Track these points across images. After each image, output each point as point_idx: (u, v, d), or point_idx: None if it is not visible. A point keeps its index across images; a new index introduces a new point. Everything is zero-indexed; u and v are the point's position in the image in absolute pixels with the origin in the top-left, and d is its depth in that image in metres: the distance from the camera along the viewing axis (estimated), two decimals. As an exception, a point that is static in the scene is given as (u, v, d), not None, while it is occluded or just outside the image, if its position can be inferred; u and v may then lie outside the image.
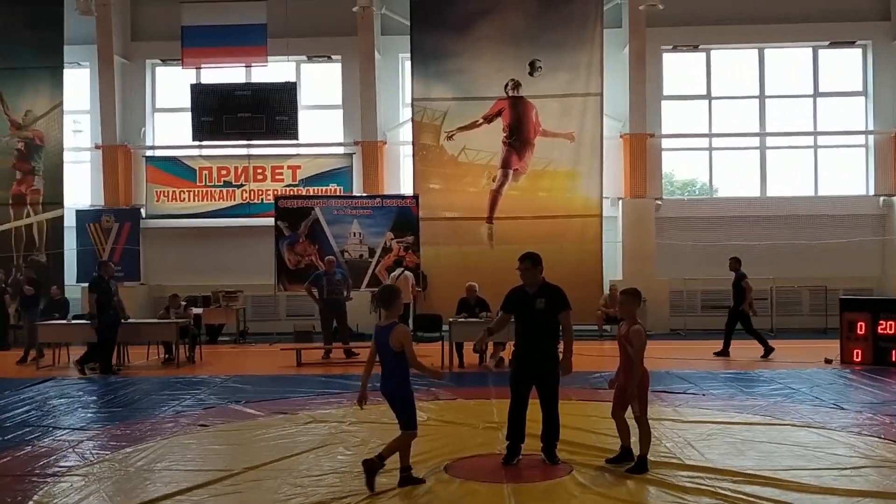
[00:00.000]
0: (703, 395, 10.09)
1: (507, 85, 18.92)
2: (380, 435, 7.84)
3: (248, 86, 19.98)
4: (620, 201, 19.68)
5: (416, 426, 6.20)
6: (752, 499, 5.63)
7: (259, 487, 6.10)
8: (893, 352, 12.29)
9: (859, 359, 12.60)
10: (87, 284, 14.94)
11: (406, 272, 15.97)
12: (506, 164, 18.87)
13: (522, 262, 6.89)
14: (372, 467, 6.01)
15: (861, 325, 12.70)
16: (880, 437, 7.53)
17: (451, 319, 13.35)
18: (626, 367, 6.45)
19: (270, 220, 17.98)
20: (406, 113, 20.06)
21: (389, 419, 8.55)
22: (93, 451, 7.38)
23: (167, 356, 14.53)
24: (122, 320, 13.46)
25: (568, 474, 6.35)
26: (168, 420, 8.86)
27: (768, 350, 14.03)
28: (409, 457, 6.23)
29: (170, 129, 21.18)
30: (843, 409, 9.02)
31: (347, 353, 14.59)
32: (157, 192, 20.33)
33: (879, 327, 12.50)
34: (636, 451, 6.50)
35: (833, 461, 6.67)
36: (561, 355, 6.80)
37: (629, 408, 6.49)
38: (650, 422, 6.56)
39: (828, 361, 12.87)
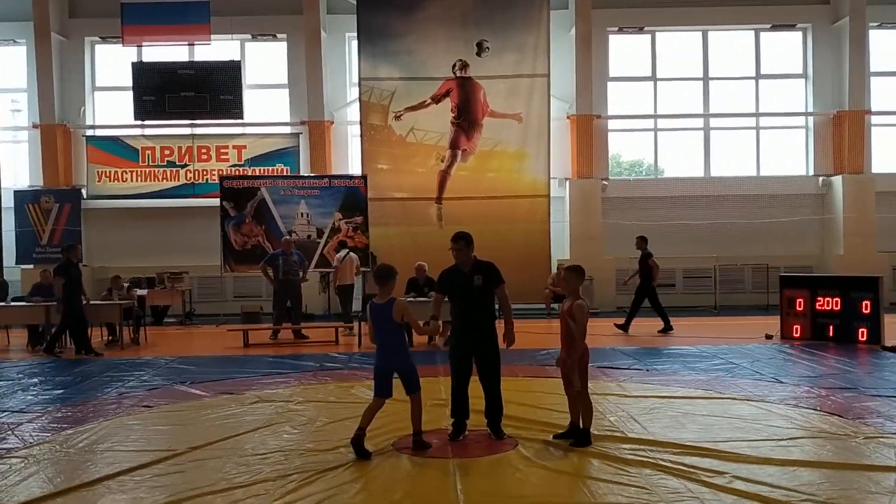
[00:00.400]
0: (647, 370, 10.25)
1: (454, 65, 18.88)
2: (327, 413, 7.84)
3: (191, 64, 19.63)
4: (567, 182, 19.84)
5: (420, 387, 6.45)
6: (691, 469, 5.74)
7: (203, 467, 6.04)
8: (831, 327, 12.64)
9: (798, 334, 12.93)
10: (31, 267, 14.51)
11: (351, 254, 15.89)
12: (454, 145, 18.88)
13: (457, 242, 6.91)
14: (419, 445, 6.35)
15: (800, 302, 13.01)
16: (816, 410, 7.74)
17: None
18: (568, 342, 6.52)
19: (216, 201, 17.73)
20: (353, 92, 19.91)
21: (336, 398, 8.63)
22: (33, 434, 7.21)
23: (111, 338, 14.29)
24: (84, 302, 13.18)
25: (513, 448, 6.41)
26: (111, 402, 8.70)
27: (668, 327, 14.47)
28: (422, 421, 6.45)
29: (111, 108, 20.75)
30: (781, 382, 9.25)
31: (297, 334, 14.50)
32: (98, 172, 19.91)
33: (818, 303, 12.82)
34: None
35: (770, 433, 6.84)
36: (502, 329, 6.86)
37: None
38: (594, 397, 6.66)
39: (768, 337, 13.18)
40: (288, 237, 15.98)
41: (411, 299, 13.17)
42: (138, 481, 5.71)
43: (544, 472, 5.81)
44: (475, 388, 6.89)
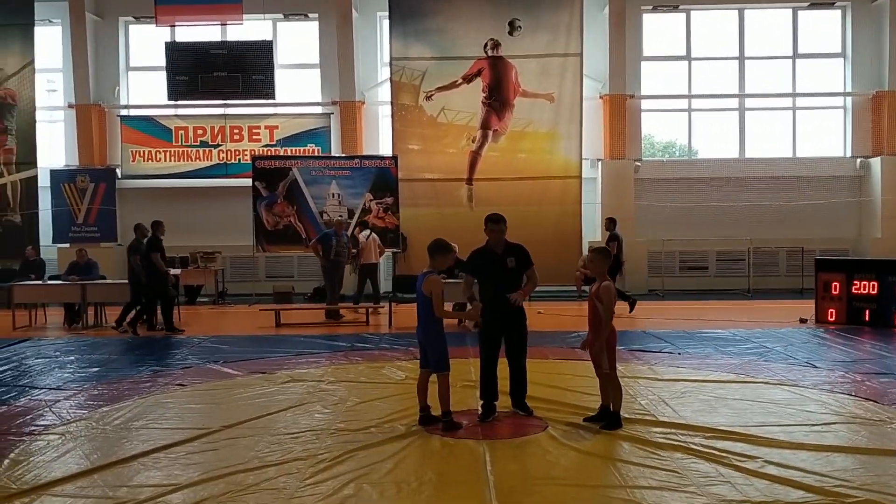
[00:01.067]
0: (679, 353, 10.18)
1: (486, 45, 18.77)
2: (357, 393, 7.89)
3: (223, 44, 19.70)
4: (600, 163, 19.69)
5: (449, 367, 6.50)
6: (723, 453, 5.69)
7: (236, 445, 6.11)
8: (867, 311, 12.45)
9: (833, 318, 12.76)
10: (67, 246, 14.60)
11: (373, 234, 15.89)
12: (485, 125, 18.79)
13: (497, 224, 6.89)
14: (449, 426, 6.38)
15: (836, 286, 12.83)
16: (851, 395, 7.64)
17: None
18: (595, 324, 6.49)
19: (248, 181, 17.86)
20: (384, 72, 19.87)
21: (367, 378, 8.67)
22: (70, 411, 7.35)
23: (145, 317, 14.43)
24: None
25: (543, 430, 6.40)
26: (146, 380, 8.82)
27: (632, 305, 14.48)
28: (450, 401, 6.49)
29: (145, 88, 20.92)
30: (815, 367, 9.14)
31: (334, 314, 14.52)
32: (132, 151, 20.11)
33: (853, 287, 12.64)
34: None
35: (804, 418, 6.76)
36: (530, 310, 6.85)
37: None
38: (625, 380, 6.63)
39: (802, 321, 13.03)
40: (340, 218, 16.06)
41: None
42: (173, 458, 5.79)
43: (574, 454, 5.80)
44: (502, 369, 6.89)
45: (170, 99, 19.59)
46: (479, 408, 6.88)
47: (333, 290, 14.81)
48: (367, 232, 15.88)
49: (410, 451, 5.89)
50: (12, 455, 5.91)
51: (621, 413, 6.53)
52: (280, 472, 5.39)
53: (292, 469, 5.46)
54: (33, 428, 6.74)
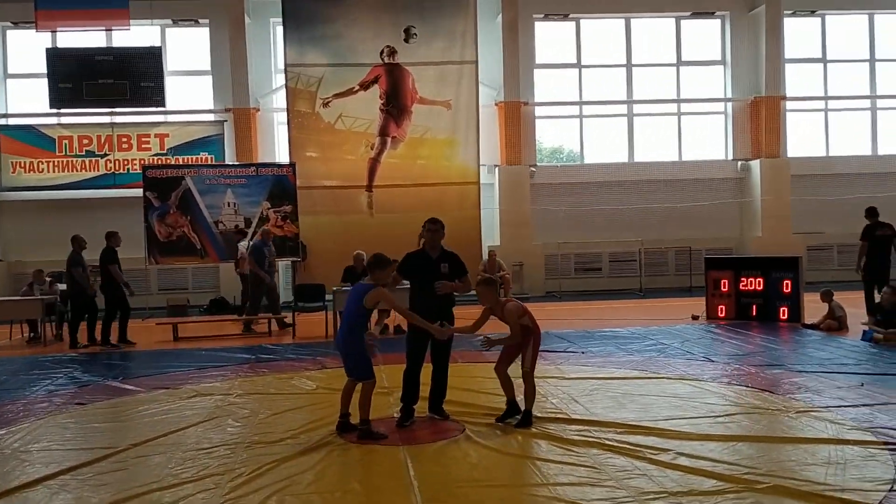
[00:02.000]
0: (583, 352, 10.43)
1: (382, 51, 18.78)
2: (268, 405, 7.75)
3: (109, 50, 18.98)
4: (497, 168, 19.97)
5: (373, 375, 6.42)
6: (636, 447, 5.88)
7: (147, 463, 5.90)
8: (754, 306, 13.09)
9: (723, 314, 13.35)
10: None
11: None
12: (384, 132, 18.79)
13: (434, 224, 6.93)
14: (366, 434, 6.30)
15: (724, 283, 13.43)
16: (747, 386, 8.01)
17: (335, 288, 13.21)
18: (524, 338, 6.65)
19: (138, 191, 17.23)
20: (279, 79, 19.61)
21: (276, 390, 8.53)
22: (-40, 436, 6.93)
23: (32, 335, 13.80)
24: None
25: (461, 433, 6.45)
26: (41, 400, 8.40)
27: None
28: (370, 410, 6.40)
29: (25, 96, 19.93)
30: (712, 361, 9.54)
31: (281, 323, 14.31)
32: (12, 162, 19.16)
33: (741, 284, 13.26)
34: (522, 404, 6.71)
35: (707, 410, 7.05)
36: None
37: (511, 364, 6.76)
38: (535, 379, 6.77)
39: (694, 318, 13.56)
40: (265, 227, 15.70)
41: (347, 288, 13.03)
42: (81, 480, 5.53)
43: (494, 455, 5.86)
44: (424, 374, 6.93)
45: (52, 107, 18.71)
46: (398, 412, 6.87)
47: (257, 302, 14.47)
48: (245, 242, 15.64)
49: (331, 461, 5.82)
50: None
51: (533, 412, 6.67)
52: (198, 489, 5.23)
53: (210, 484, 5.31)
54: (-79, 456, 6.32)
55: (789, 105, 20.99)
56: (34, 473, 5.69)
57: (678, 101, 21.09)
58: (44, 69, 18.36)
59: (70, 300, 13.05)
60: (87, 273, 13.02)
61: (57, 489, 5.36)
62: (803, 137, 21.29)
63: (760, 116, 20.57)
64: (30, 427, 7.15)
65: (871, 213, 12.93)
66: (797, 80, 21.07)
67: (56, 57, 18.46)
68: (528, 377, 6.65)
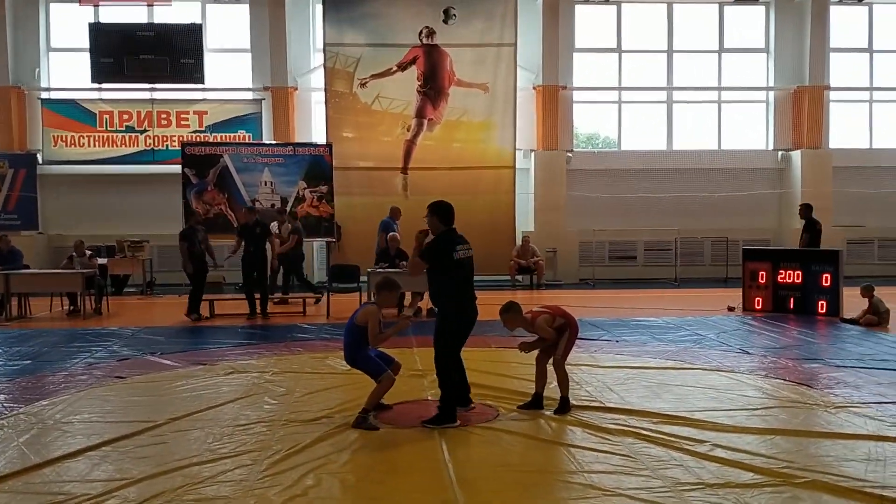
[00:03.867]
0: (617, 341, 10.37)
1: (421, 32, 18.72)
2: (304, 384, 7.80)
3: (150, 26, 19.15)
4: (533, 153, 19.87)
5: (384, 370, 6.34)
6: (672, 437, 5.84)
7: (185, 437, 5.98)
8: (791, 299, 12.93)
9: (760, 306, 13.21)
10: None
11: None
12: (420, 114, 18.77)
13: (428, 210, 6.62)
14: (360, 421, 6.19)
15: (762, 274, 13.28)
16: (784, 380, 7.92)
17: (369, 270, 13.25)
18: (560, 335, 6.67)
19: (176, 168, 17.42)
20: (318, 58, 19.63)
21: (311, 369, 8.59)
22: (3, 405, 7.06)
23: (72, 307, 14.02)
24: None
25: (495, 418, 6.46)
26: (81, 372, 8.55)
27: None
28: (375, 403, 6.36)
29: (67, 70, 20.13)
30: (748, 353, 9.45)
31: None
32: (54, 136, 19.41)
33: (779, 276, 13.11)
34: (552, 395, 6.72)
35: (744, 402, 6.99)
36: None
37: (551, 357, 6.72)
38: (568, 367, 6.75)
39: (730, 309, 13.43)
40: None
41: (381, 270, 13.09)
42: (122, 452, 5.62)
43: (529, 441, 5.86)
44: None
45: (93, 82, 18.97)
46: (434, 396, 6.88)
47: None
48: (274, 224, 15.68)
49: (366, 441, 5.86)
50: (-53, 452, 5.66)
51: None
52: (236, 465, 5.29)
53: (247, 461, 5.37)
54: (-34, 423, 6.46)
55: (833, 95, 20.62)
56: (76, 444, 5.80)
57: (719, 88, 20.80)
58: (86, 44, 18.59)
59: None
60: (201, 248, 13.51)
61: (98, 460, 5.45)
62: (846, 128, 20.92)
63: (803, 106, 20.23)
64: (71, 399, 7.28)
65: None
66: (842, 70, 20.67)
67: (98, 32, 18.68)
68: (560, 365, 6.64)
